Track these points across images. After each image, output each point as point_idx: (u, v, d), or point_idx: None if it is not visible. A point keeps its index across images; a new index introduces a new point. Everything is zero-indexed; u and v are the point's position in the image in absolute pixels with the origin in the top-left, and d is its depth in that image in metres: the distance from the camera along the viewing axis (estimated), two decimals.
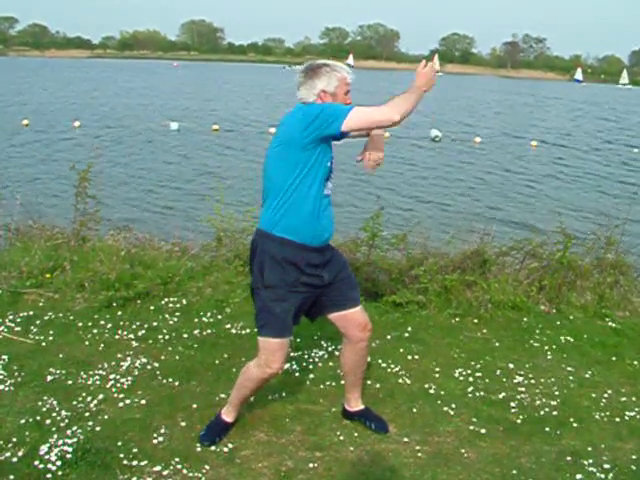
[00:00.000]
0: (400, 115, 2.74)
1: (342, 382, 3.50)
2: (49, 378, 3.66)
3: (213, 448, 3.08)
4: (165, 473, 2.89)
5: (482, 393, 3.75)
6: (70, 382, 3.64)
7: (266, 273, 2.88)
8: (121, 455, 2.98)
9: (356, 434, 3.26)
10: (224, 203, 5.69)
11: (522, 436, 3.32)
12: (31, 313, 4.52)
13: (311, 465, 2.99)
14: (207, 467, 2.95)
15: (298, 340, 4.29)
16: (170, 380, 3.72)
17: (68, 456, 2.93)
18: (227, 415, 3.22)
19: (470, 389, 3.78)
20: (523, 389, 3.82)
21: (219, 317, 4.61)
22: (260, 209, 2.99)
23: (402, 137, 22.56)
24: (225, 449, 3.08)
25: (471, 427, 3.38)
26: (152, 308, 4.70)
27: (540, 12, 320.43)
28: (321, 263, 2.97)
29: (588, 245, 5.47)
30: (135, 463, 2.94)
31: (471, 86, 67.11)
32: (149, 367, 3.86)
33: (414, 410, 3.52)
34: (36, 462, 2.89)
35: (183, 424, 3.27)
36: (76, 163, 5.55)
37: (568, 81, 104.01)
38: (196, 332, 4.38)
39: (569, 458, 3.15)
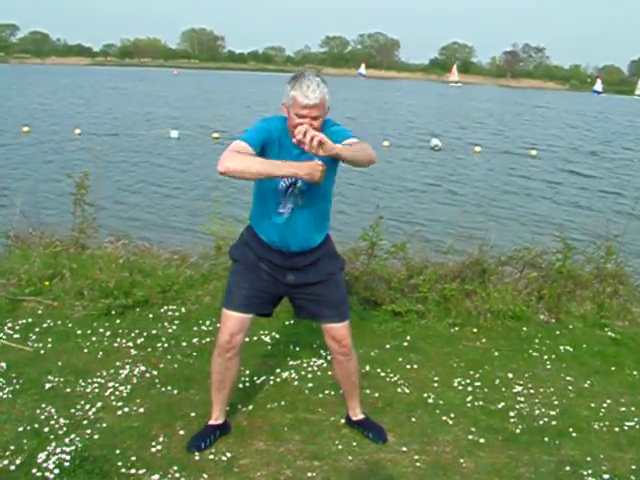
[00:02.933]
0: (226, 169, 2.54)
1: (341, 391, 3.50)
2: (47, 386, 3.66)
3: (212, 457, 3.07)
4: None
5: (481, 403, 3.74)
6: (68, 390, 3.63)
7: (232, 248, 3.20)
8: (119, 463, 2.97)
9: (355, 443, 3.25)
10: (224, 209, 5.69)
11: (521, 446, 3.31)
12: (30, 320, 4.51)
13: (309, 474, 2.99)
14: (205, 476, 2.94)
15: (297, 349, 4.29)
16: (169, 388, 3.72)
17: (66, 464, 2.92)
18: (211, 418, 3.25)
19: (469, 399, 3.78)
20: (522, 399, 3.82)
21: (218, 325, 4.59)
22: None
23: (402, 146, 22.64)
24: (224, 458, 3.07)
25: (470, 437, 3.38)
26: (151, 316, 4.70)
27: (539, 22, 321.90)
28: (284, 265, 3.01)
29: (588, 255, 5.47)
30: (133, 471, 2.93)
31: (474, 95, 67.10)
32: (148, 375, 3.86)
33: (413, 419, 3.52)
34: (34, 470, 2.88)
35: (182, 432, 3.26)
36: (75, 171, 5.56)
37: (568, 90, 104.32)
38: (195, 340, 4.37)
39: (568, 468, 3.14)
